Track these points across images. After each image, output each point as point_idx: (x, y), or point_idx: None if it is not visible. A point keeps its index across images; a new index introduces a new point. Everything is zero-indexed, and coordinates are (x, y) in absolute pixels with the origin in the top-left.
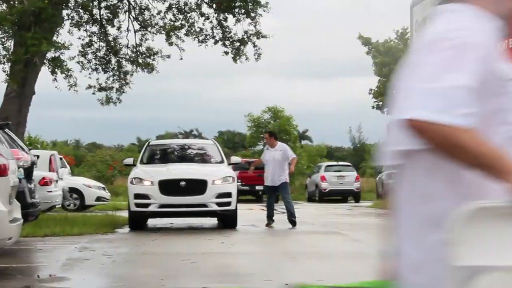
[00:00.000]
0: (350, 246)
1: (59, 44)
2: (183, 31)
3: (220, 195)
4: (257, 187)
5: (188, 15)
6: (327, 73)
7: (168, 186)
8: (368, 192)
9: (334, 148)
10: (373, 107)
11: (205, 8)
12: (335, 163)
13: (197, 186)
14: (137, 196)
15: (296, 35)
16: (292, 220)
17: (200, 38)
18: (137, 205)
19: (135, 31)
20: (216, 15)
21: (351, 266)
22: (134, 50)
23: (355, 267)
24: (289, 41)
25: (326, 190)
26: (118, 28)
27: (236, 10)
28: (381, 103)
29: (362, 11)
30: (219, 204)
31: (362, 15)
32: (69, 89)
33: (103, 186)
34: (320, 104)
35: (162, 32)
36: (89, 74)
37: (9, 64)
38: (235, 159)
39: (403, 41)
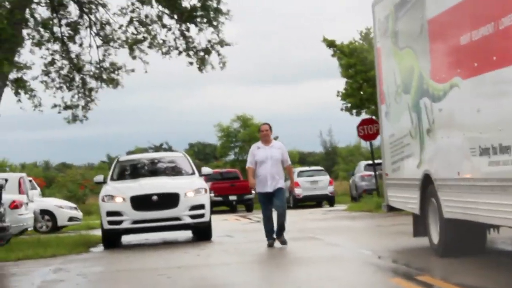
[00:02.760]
0: (326, 251)
1: (21, 65)
2: (146, 43)
3: (193, 207)
4: (230, 197)
5: (150, 27)
6: (294, 78)
7: (140, 202)
8: (342, 196)
9: (306, 153)
10: (341, 109)
11: (166, 20)
12: (307, 168)
13: (170, 199)
14: (110, 213)
15: (259, 40)
16: (283, 237)
17: (164, 49)
18: (110, 222)
19: (98, 47)
20: (178, 25)
21: (329, 271)
22: (98, 66)
23: (333, 271)
24: (252, 47)
25: (301, 196)
26: (80, 45)
27: (198, 20)
28: (349, 105)
29: (324, 13)
30: (192, 217)
31: (325, 17)
32: (34, 109)
33: (75, 206)
34: (288, 109)
35: (125, 46)
36: (54, 93)
37: None
38: (207, 170)
39: (367, 41)
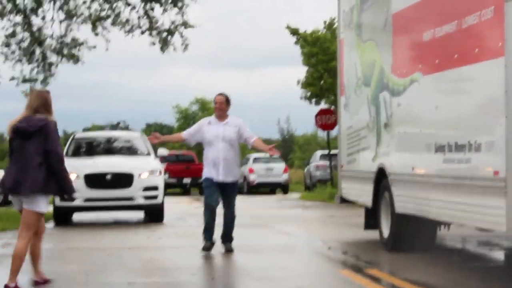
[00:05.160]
0: (277, 239)
1: None
2: (109, 21)
3: (147, 188)
4: (185, 180)
5: (114, 4)
6: (255, 63)
7: (94, 180)
8: (296, 184)
9: (263, 140)
10: (301, 97)
11: None
12: (263, 155)
13: (124, 179)
14: None
15: (223, 23)
16: (229, 243)
17: (127, 28)
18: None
19: (60, 21)
20: (142, 4)
21: (279, 260)
22: (59, 40)
23: (282, 260)
24: (216, 30)
25: (254, 183)
26: (43, 18)
27: (163, 0)
28: (309, 93)
29: (291, 0)
30: (145, 198)
31: (291, 4)
32: None
33: None
34: (248, 94)
35: (88, 22)
36: (13, 65)
37: None
38: (162, 151)
39: (331, 31)
